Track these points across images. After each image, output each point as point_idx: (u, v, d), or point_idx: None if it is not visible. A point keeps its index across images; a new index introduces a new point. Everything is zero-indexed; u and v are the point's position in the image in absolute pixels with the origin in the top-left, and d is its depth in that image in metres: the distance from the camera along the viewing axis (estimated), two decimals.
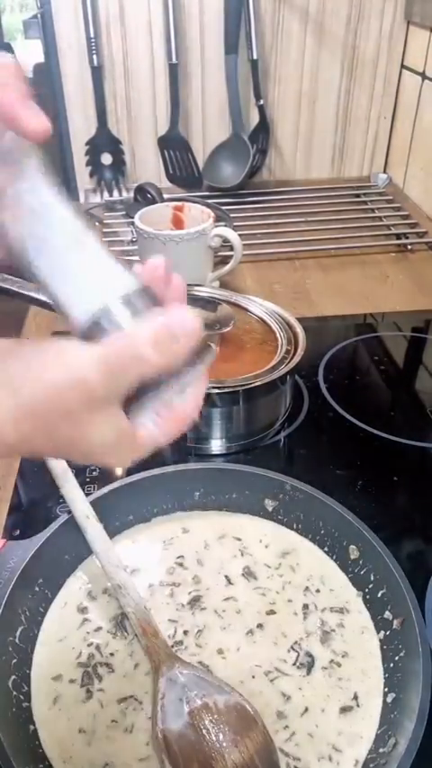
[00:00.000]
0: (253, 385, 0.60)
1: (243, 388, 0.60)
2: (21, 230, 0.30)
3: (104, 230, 1.06)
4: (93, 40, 1.07)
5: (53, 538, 0.47)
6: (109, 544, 0.49)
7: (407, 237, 1.04)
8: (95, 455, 0.31)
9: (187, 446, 0.64)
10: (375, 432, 0.66)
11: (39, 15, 1.07)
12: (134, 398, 0.30)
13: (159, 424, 0.31)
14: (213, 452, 0.65)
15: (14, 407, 0.28)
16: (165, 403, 0.31)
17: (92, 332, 0.30)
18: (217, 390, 0.60)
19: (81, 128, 1.16)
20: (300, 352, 0.64)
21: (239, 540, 0.53)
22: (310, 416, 0.69)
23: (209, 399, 0.60)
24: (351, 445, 0.66)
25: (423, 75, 1.10)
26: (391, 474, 0.62)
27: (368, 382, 0.77)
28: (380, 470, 0.62)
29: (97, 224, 1.07)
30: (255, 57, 1.10)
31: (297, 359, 0.63)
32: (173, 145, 1.16)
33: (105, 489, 0.52)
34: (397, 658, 0.43)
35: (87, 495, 0.51)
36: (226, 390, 0.60)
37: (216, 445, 0.65)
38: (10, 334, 0.85)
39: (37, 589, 0.47)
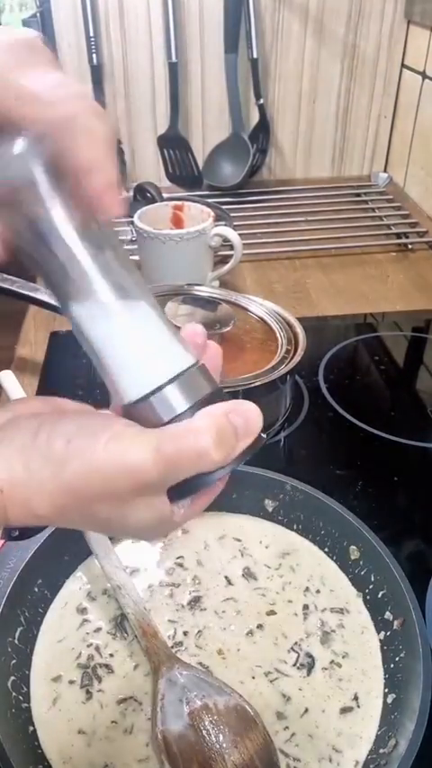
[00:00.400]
0: (253, 385, 0.60)
1: (243, 388, 0.60)
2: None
3: None
4: (92, 39, 1.07)
5: (53, 538, 0.47)
6: (108, 545, 0.49)
7: (407, 237, 1.04)
8: (129, 533, 0.30)
9: None
10: (375, 432, 0.66)
11: (38, 14, 1.07)
12: (179, 484, 0.28)
13: (192, 503, 0.31)
14: None
15: (53, 480, 0.27)
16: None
17: (141, 409, 0.29)
18: None
19: None
20: (300, 352, 0.64)
21: (239, 540, 0.53)
22: (310, 416, 0.69)
23: None
24: (351, 445, 0.66)
25: (423, 75, 1.10)
26: (391, 474, 0.62)
27: (368, 382, 0.77)
28: (380, 470, 0.62)
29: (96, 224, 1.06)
30: (255, 56, 1.10)
31: (297, 359, 0.63)
32: (172, 144, 1.16)
33: None
34: (397, 659, 0.43)
35: None
36: (226, 390, 0.59)
37: None
38: (9, 334, 0.85)
39: (36, 590, 0.47)
